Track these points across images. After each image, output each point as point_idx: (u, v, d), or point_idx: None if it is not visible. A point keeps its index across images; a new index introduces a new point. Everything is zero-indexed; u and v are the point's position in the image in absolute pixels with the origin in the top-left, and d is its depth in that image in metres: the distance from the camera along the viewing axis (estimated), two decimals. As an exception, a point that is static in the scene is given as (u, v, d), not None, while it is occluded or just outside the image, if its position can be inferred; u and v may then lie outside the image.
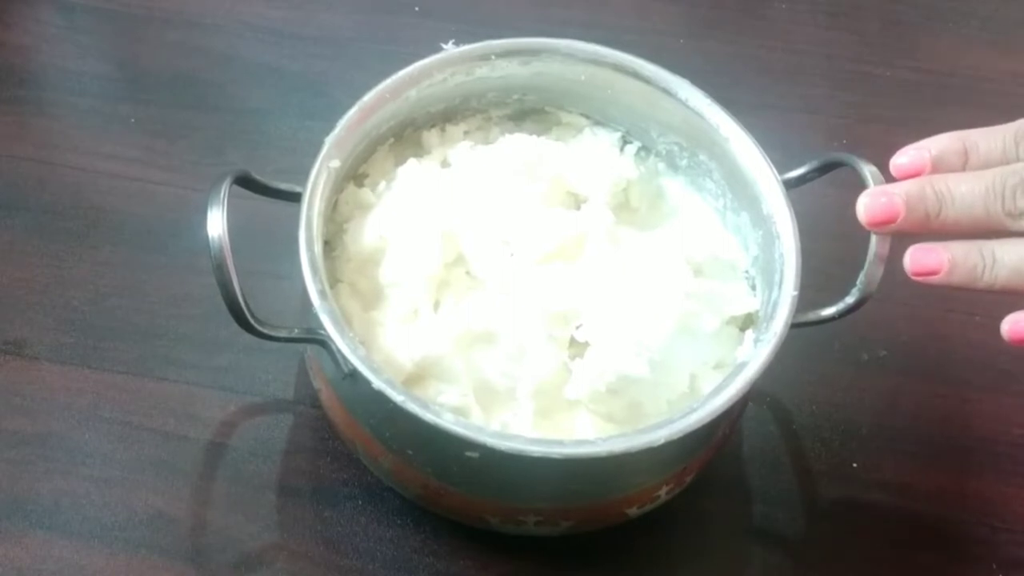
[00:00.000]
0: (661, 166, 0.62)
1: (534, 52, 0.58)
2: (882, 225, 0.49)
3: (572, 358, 0.53)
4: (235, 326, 0.49)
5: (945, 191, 0.47)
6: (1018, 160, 0.48)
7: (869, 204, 0.49)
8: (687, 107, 0.57)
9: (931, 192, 0.48)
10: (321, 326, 0.49)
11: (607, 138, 0.61)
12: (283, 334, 0.51)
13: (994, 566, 0.59)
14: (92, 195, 0.67)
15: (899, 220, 0.48)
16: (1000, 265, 0.47)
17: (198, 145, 0.70)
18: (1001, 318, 0.48)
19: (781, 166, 0.55)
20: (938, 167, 0.49)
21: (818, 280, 0.54)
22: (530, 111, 0.61)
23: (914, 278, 0.48)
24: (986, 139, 0.49)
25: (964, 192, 0.47)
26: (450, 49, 0.57)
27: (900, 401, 0.64)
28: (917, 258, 0.48)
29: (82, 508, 0.57)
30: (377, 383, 0.47)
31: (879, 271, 0.51)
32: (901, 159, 0.49)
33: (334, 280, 0.55)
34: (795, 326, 0.51)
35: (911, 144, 0.50)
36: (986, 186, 0.47)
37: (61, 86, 0.72)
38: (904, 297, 0.63)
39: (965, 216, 0.47)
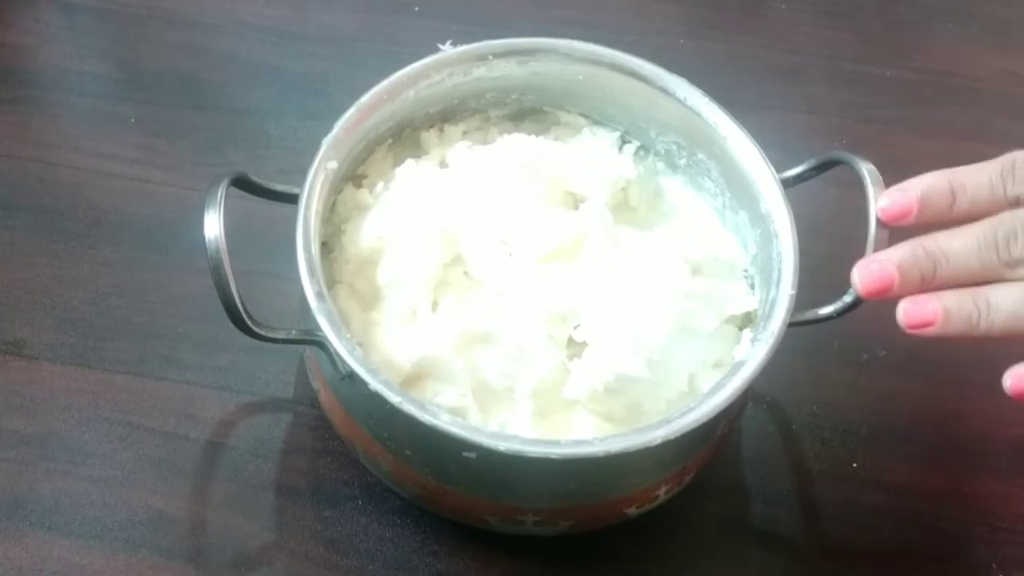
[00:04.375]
0: (660, 165, 0.62)
1: (532, 52, 0.58)
2: (880, 294, 0.48)
3: (571, 358, 0.53)
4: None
5: (937, 251, 0.47)
6: (1005, 196, 0.47)
7: (863, 275, 0.48)
8: (685, 106, 0.57)
9: (923, 254, 0.47)
10: (319, 327, 0.49)
11: (606, 138, 0.61)
12: (281, 335, 0.51)
13: (994, 566, 0.59)
14: (92, 195, 0.67)
15: (895, 286, 0.48)
16: (996, 311, 0.46)
17: (198, 145, 0.70)
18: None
19: (781, 166, 0.55)
20: (925, 208, 0.48)
21: (816, 279, 0.54)
22: (528, 111, 0.61)
23: (909, 331, 0.48)
24: (972, 177, 0.48)
25: (957, 249, 0.47)
26: (447, 49, 0.57)
27: (900, 401, 0.64)
28: (911, 312, 0.48)
29: (82, 508, 0.57)
30: (374, 384, 0.47)
31: (878, 271, 0.51)
32: (883, 202, 0.49)
33: (332, 281, 0.55)
34: (793, 325, 0.51)
35: (895, 186, 0.49)
36: (977, 239, 0.46)
37: (61, 86, 0.72)
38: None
39: (962, 272, 0.47)
